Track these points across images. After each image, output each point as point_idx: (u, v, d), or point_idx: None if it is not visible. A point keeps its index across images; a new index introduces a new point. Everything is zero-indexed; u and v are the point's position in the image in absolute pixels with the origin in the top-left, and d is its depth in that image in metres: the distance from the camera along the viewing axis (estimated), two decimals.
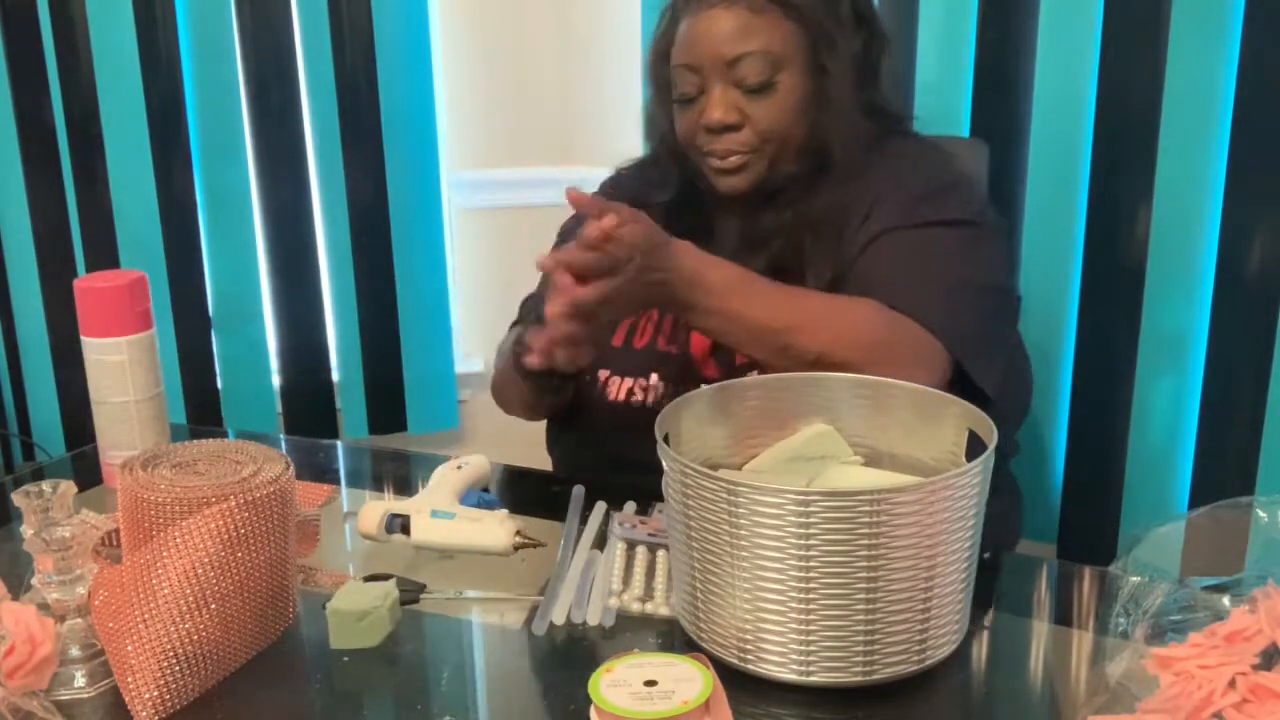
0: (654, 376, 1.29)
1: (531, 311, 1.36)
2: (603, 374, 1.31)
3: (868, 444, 1.04)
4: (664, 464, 0.90)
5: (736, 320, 1.10)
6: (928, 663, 0.87)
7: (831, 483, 1.00)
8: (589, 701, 0.80)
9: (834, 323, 1.12)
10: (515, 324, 1.41)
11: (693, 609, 0.91)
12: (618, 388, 1.30)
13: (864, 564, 0.82)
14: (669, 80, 1.27)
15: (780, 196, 1.27)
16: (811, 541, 0.82)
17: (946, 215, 1.22)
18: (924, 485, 0.83)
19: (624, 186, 1.38)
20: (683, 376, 1.27)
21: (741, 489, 0.83)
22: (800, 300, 1.14)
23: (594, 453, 1.33)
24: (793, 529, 0.82)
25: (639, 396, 1.29)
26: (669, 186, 1.33)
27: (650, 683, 0.81)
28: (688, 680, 0.81)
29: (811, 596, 0.83)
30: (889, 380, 1.03)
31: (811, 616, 0.84)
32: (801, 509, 0.81)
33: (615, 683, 0.81)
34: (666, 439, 0.93)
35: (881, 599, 0.83)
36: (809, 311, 1.12)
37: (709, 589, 0.88)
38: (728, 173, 1.25)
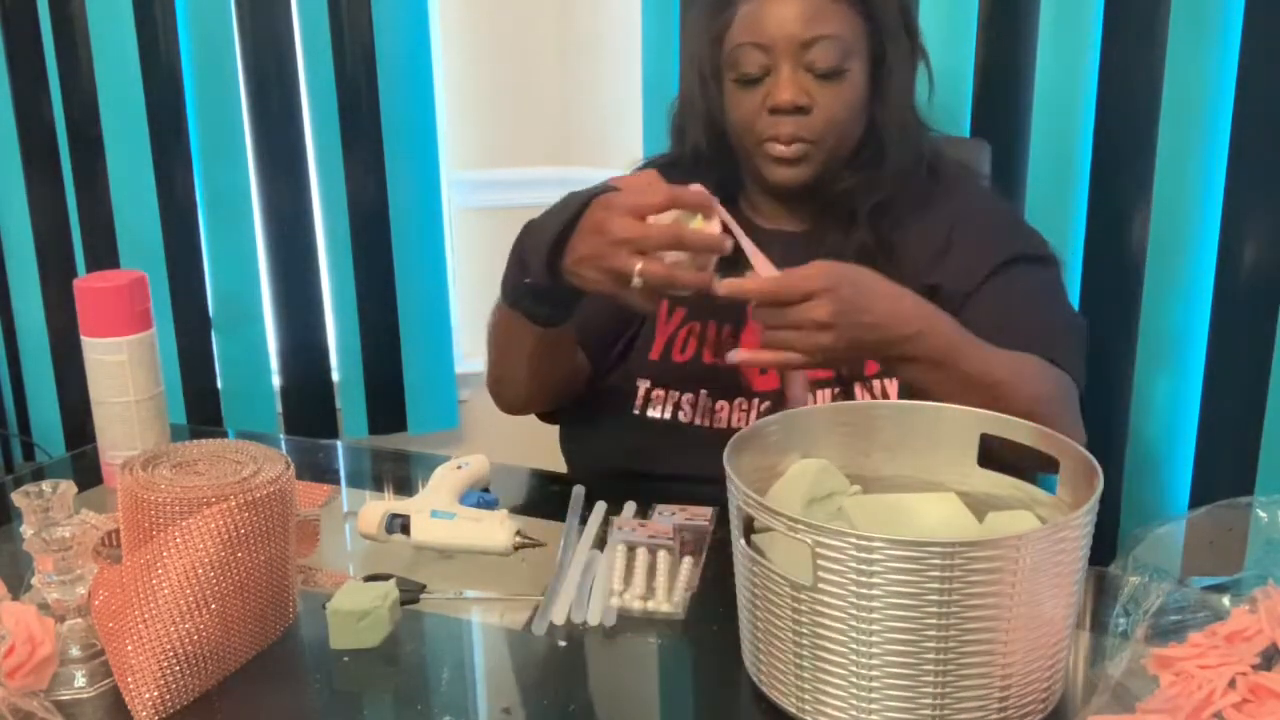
0: (702, 392, 1.24)
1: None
2: (641, 385, 1.27)
3: (852, 471, 0.99)
4: (773, 523, 0.80)
5: (953, 374, 1.04)
6: (1052, 705, 0.84)
7: (883, 522, 0.93)
8: (590, 702, 0.80)
9: (1029, 378, 1.10)
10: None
11: (798, 682, 0.83)
12: (661, 403, 1.26)
13: (1007, 606, 0.77)
14: (718, 66, 1.22)
15: (835, 206, 1.23)
16: (953, 595, 0.75)
17: (1042, 251, 1.24)
18: (1064, 523, 0.78)
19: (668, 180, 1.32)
20: (731, 390, 1.23)
21: (876, 544, 0.75)
22: (999, 355, 1.09)
23: (625, 468, 1.27)
24: (935, 583, 0.75)
25: (686, 413, 1.25)
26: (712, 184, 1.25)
27: None
28: None
29: (949, 655, 0.77)
30: (869, 402, 1.03)
31: (948, 667, 0.77)
32: (945, 560, 0.74)
33: None
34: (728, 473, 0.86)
35: (1018, 641, 0.78)
36: (1010, 367, 1.08)
37: (818, 656, 0.80)
38: (787, 162, 1.20)
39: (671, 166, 1.30)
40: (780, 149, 1.19)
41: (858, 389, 1.20)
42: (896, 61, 1.21)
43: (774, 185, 1.22)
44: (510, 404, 1.33)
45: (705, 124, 1.25)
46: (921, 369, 1.04)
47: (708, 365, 1.25)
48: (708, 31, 1.22)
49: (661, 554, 1.05)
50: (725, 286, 1.00)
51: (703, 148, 1.26)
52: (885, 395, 1.20)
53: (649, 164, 1.34)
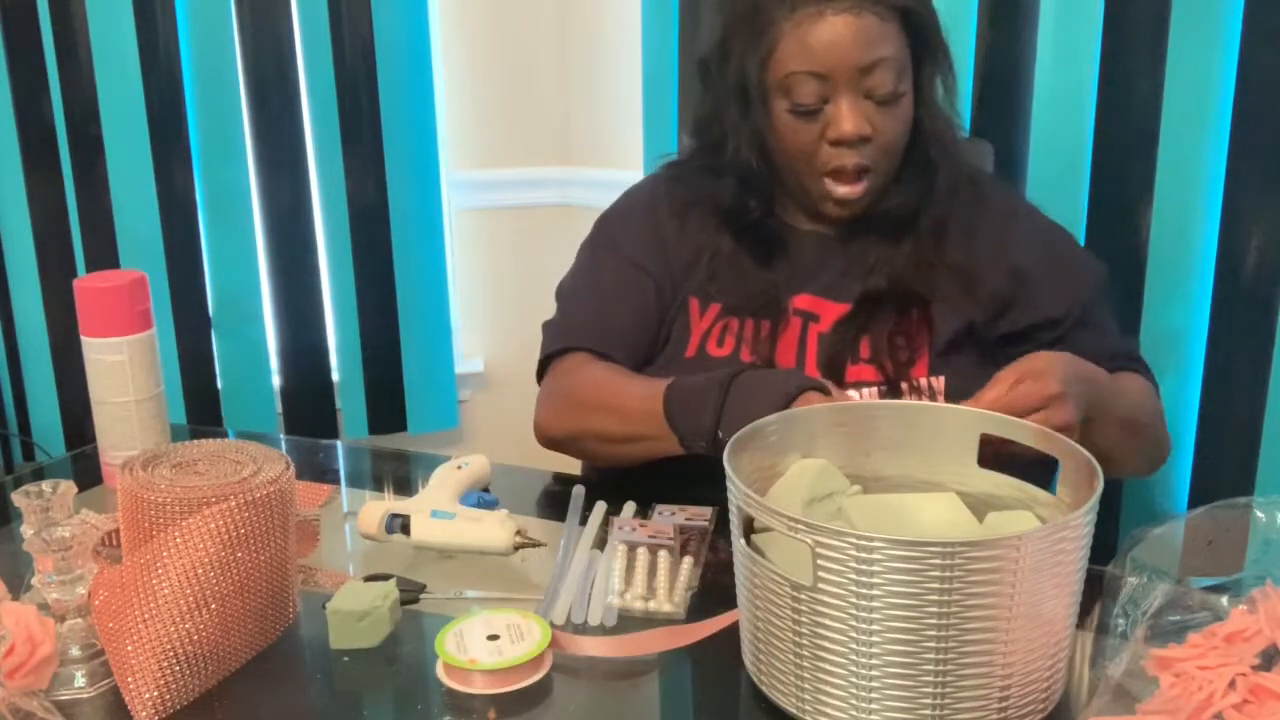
0: None
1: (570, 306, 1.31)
2: None
3: (852, 471, 0.98)
4: (773, 523, 0.80)
5: (1121, 423, 1.10)
6: (1052, 705, 0.84)
7: (883, 521, 0.91)
8: (590, 702, 0.80)
9: (1154, 404, 1.24)
10: (550, 322, 1.32)
11: (798, 682, 0.83)
12: None
13: (1007, 606, 0.76)
14: (765, 88, 1.17)
15: (879, 216, 1.23)
16: (953, 595, 0.75)
17: (1099, 264, 1.30)
18: (1064, 523, 0.78)
19: (691, 186, 1.29)
20: None
21: (876, 544, 0.75)
22: (1127, 389, 1.18)
23: (657, 467, 1.19)
24: (935, 583, 0.75)
25: None
26: (749, 197, 1.25)
27: (493, 636, 0.90)
28: (527, 636, 0.90)
29: (949, 655, 0.77)
30: (869, 402, 1.03)
31: (948, 667, 0.77)
32: (945, 560, 0.74)
33: (460, 635, 0.90)
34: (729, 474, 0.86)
35: (1018, 641, 0.78)
36: (1142, 399, 1.21)
37: (818, 656, 0.80)
38: (848, 190, 1.19)
39: (701, 172, 1.28)
40: (845, 190, 1.18)
41: (905, 390, 1.19)
42: (937, 73, 1.20)
43: (831, 214, 1.22)
44: (563, 449, 1.29)
45: (752, 144, 1.20)
46: (1101, 427, 1.07)
47: (747, 364, 1.21)
48: (750, 52, 1.17)
49: (662, 554, 1.05)
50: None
51: (754, 166, 1.22)
52: (933, 394, 1.19)
53: (671, 164, 1.34)
